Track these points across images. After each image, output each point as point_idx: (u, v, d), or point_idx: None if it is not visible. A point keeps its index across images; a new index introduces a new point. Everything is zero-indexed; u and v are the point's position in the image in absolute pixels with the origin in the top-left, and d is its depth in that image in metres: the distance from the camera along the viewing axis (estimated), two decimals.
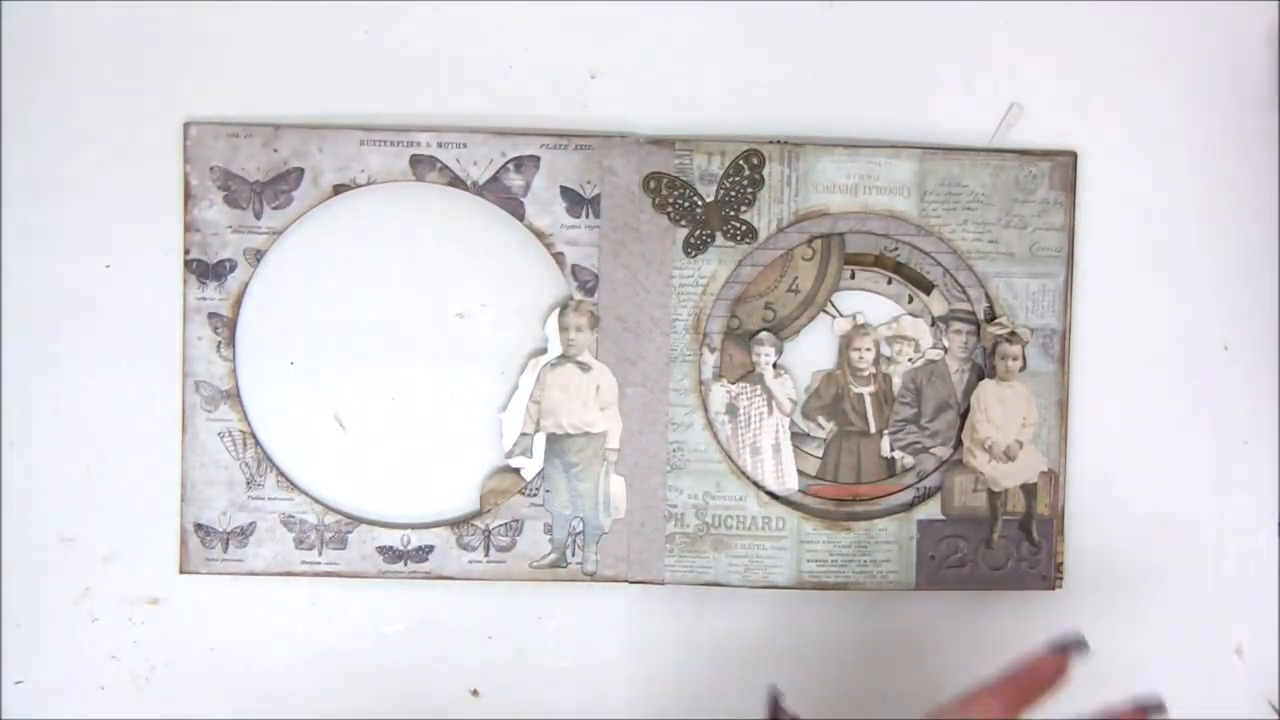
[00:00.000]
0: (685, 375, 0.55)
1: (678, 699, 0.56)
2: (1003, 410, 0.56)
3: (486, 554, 0.55)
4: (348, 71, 0.55)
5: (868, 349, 0.56)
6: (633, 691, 0.56)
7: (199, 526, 0.55)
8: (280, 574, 0.55)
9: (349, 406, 0.56)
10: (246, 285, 0.55)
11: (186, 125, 0.54)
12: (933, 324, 0.56)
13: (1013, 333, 0.55)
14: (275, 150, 0.54)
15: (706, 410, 0.56)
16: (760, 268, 0.56)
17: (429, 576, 0.55)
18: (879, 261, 0.56)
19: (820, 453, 0.56)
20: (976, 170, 0.55)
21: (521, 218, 0.55)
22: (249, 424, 0.55)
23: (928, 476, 0.56)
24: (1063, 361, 0.56)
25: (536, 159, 0.55)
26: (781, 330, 0.56)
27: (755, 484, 0.56)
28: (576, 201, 0.55)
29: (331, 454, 0.55)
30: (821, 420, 0.56)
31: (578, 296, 0.55)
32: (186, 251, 0.55)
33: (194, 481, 0.55)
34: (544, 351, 0.55)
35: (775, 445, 0.56)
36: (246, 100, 0.55)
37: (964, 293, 0.56)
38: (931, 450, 0.56)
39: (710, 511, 0.55)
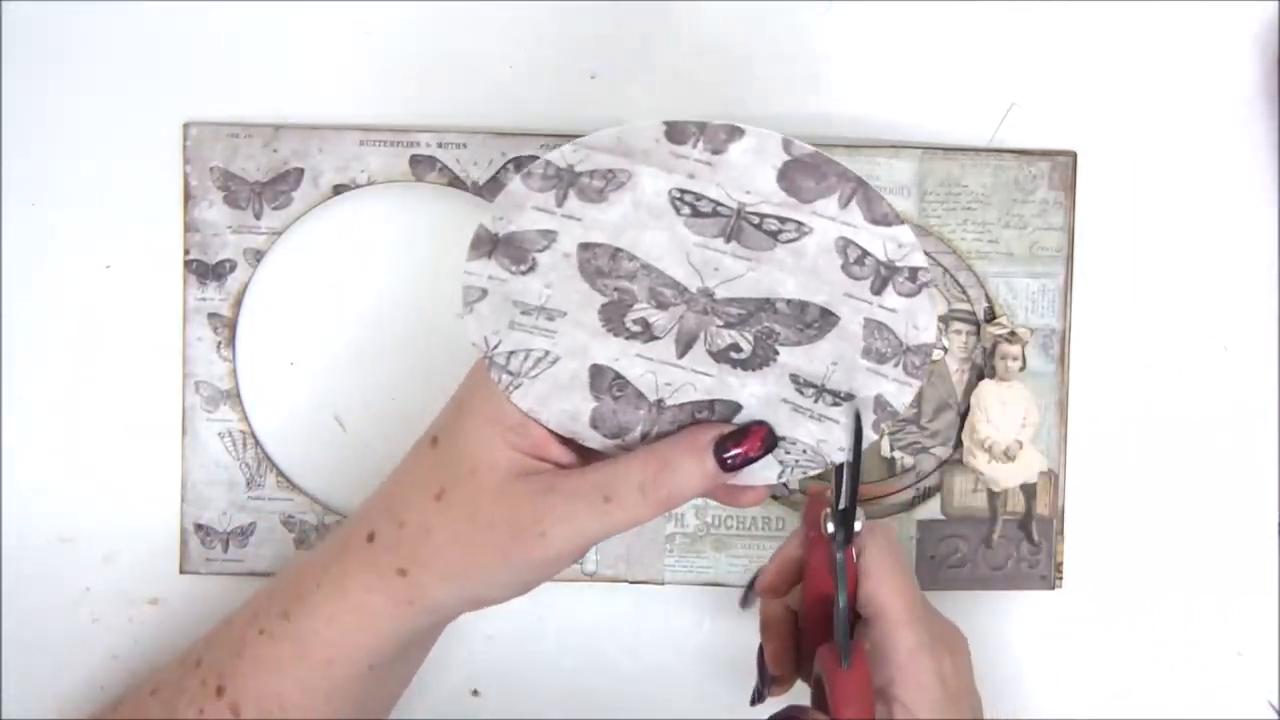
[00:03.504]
0: None
1: (678, 699, 0.56)
2: (1002, 410, 0.56)
3: None
4: (348, 71, 0.55)
5: None
6: (633, 691, 0.56)
7: (199, 527, 0.55)
8: None
9: (349, 406, 0.56)
10: (246, 285, 0.55)
11: (186, 125, 0.54)
12: None
13: (1013, 333, 0.55)
14: (275, 150, 0.54)
15: None
16: None
17: None
18: None
19: None
20: (976, 170, 0.55)
21: None
22: (249, 424, 0.55)
23: (927, 476, 0.56)
24: (1063, 361, 0.56)
25: (536, 159, 0.54)
26: None
27: None
28: None
29: (331, 454, 0.55)
30: None
31: None
32: (186, 252, 0.55)
33: (194, 481, 0.55)
34: None
35: None
36: (246, 100, 0.55)
37: (964, 293, 0.56)
38: (931, 450, 0.56)
39: (710, 511, 0.55)
